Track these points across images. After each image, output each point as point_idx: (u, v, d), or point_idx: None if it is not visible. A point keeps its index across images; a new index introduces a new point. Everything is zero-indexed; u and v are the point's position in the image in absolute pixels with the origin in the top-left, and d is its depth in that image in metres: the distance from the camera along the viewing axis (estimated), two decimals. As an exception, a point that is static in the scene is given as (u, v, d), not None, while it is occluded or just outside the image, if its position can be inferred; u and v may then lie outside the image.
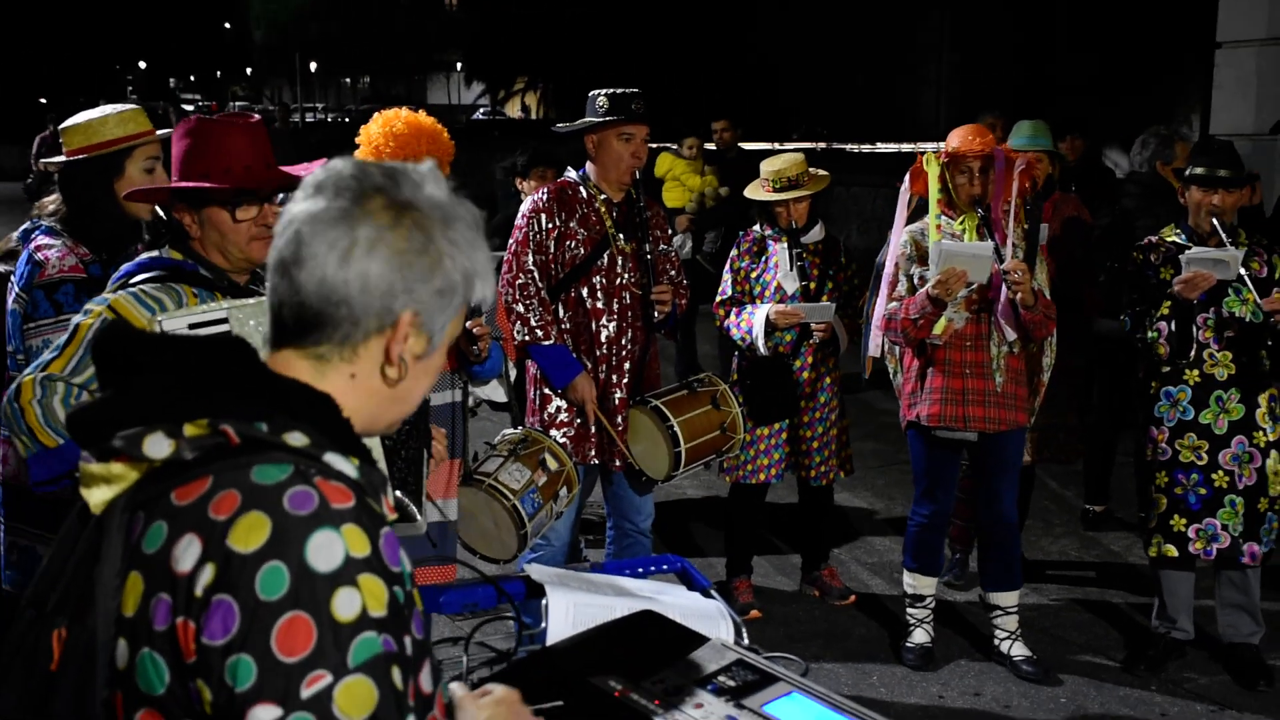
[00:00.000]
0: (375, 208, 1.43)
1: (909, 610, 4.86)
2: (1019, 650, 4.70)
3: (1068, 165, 6.58)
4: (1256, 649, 4.64)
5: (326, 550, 1.32)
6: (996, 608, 4.76)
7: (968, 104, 15.99)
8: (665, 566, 2.57)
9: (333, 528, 1.33)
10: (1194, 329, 4.43)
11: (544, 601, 2.14)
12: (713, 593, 2.40)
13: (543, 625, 2.12)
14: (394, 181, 1.45)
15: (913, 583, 4.83)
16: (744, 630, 2.30)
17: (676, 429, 4.46)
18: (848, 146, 26.84)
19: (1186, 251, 4.38)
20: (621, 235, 4.49)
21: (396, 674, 1.33)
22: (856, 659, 4.84)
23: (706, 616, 2.27)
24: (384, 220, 1.42)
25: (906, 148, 23.81)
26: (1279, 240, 4.76)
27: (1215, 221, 4.43)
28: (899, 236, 4.68)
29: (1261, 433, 4.44)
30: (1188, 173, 4.58)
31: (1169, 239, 4.59)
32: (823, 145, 26.89)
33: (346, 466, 1.41)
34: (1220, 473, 4.45)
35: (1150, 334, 4.49)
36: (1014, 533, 4.77)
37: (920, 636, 4.81)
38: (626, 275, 4.49)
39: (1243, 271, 4.34)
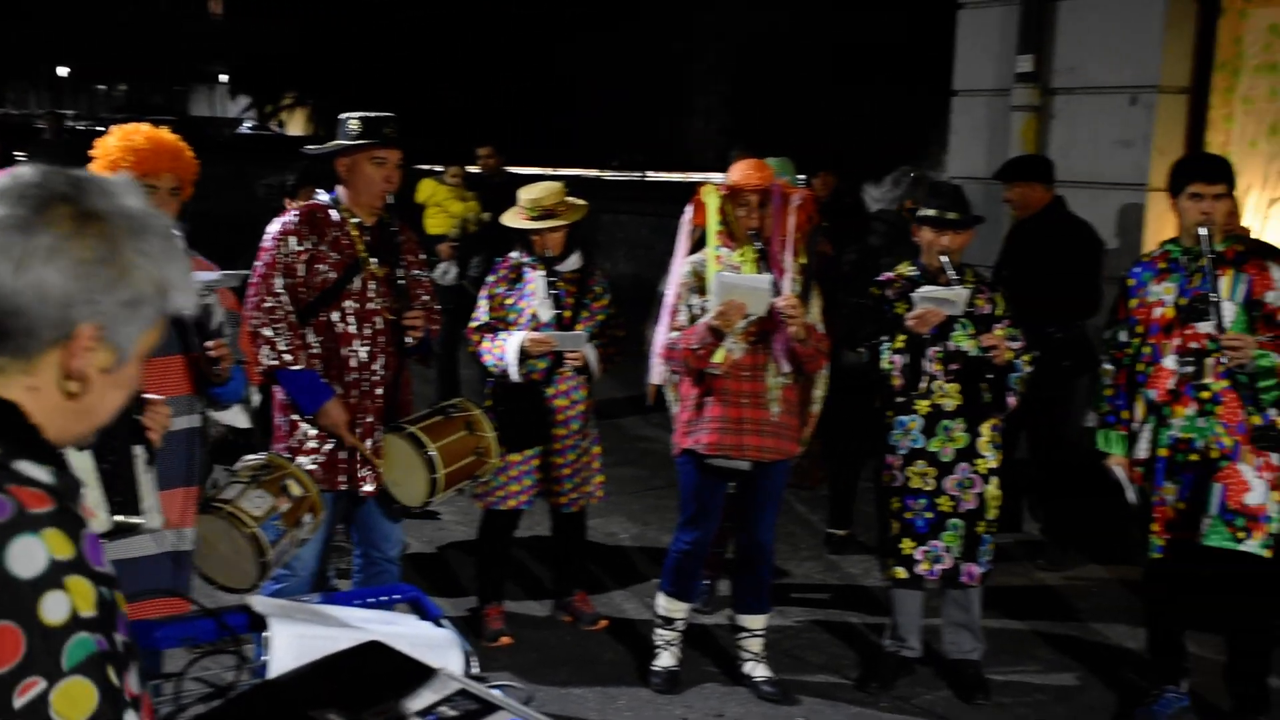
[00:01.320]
0: (57, 216, 1.39)
1: (658, 633, 4.94)
2: (761, 671, 4.85)
3: (819, 200, 6.85)
4: (977, 665, 4.92)
5: (27, 556, 1.29)
6: (743, 630, 4.90)
7: (737, 136, 16.45)
8: (398, 596, 2.55)
9: (32, 533, 1.30)
10: (924, 361, 4.68)
11: (265, 634, 2.10)
12: (444, 622, 2.40)
13: (263, 658, 2.08)
14: (80, 190, 1.41)
15: (667, 606, 4.92)
16: (474, 660, 2.31)
17: (434, 455, 4.44)
18: (621, 176, 27.18)
19: (918, 289, 4.63)
20: (374, 259, 4.44)
21: (112, 672, 1.31)
22: (605, 683, 4.90)
23: (436, 647, 2.27)
24: (65, 229, 1.39)
25: (675, 177, 24.33)
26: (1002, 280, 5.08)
27: (944, 260, 4.68)
28: (680, 266, 4.78)
29: (983, 460, 4.71)
30: (919, 214, 4.84)
31: (905, 274, 4.83)
32: (613, 174, 27.14)
33: (40, 473, 1.37)
34: (945, 497, 4.70)
35: (886, 365, 4.72)
36: (769, 557, 4.92)
37: (667, 660, 4.91)
38: (378, 300, 4.44)
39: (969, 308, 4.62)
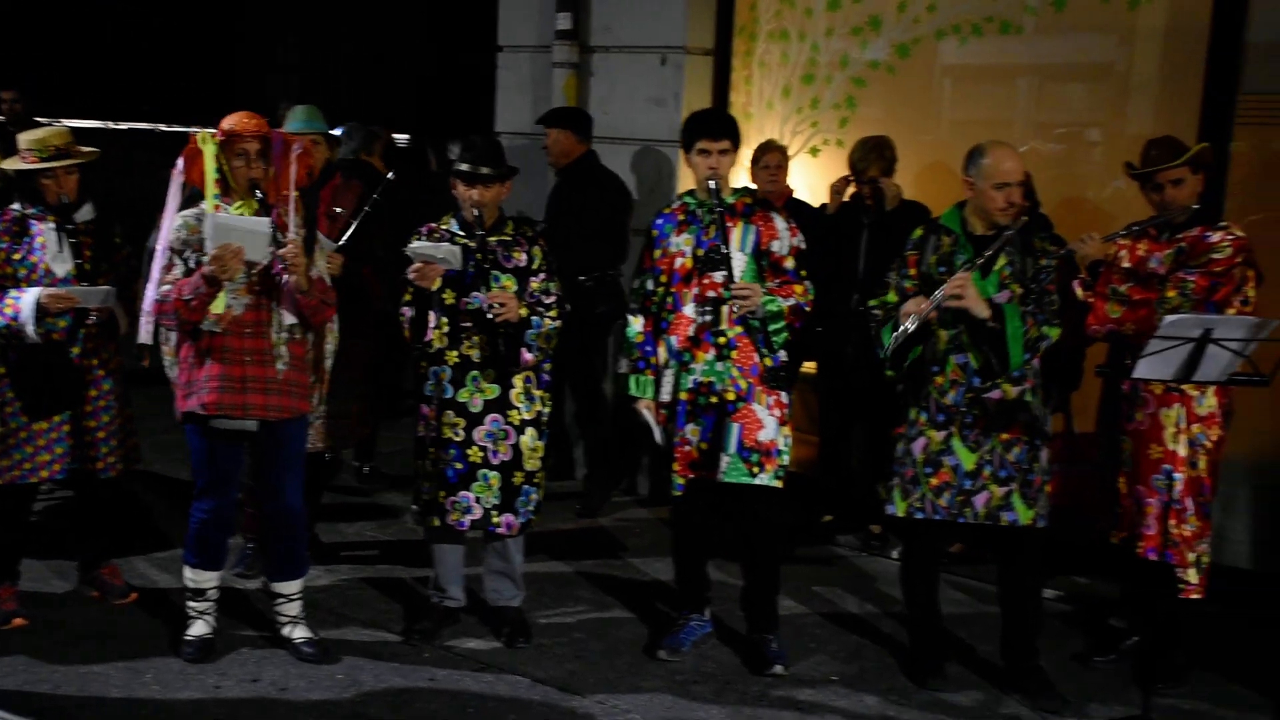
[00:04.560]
0: None
1: (189, 604, 4.72)
2: (300, 633, 4.74)
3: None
4: (519, 610, 5.03)
5: None
6: (280, 595, 4.77)
7: (308, 93, 15.88)
8: None
9: None
10: (430, 314, 4.67)
11: None
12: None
13: None
14: None
15: (194, 578, 4.69)
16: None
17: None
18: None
19: (409, 245, 4.61)
20: None
21: None
22: (131, 658, 4.63)
23: None
24: None
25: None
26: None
27: (477, 214, 4.70)
28: (171, 220, 4.53)
29: (516, 411, 4.77)
30: (455, 168, 4.84)
31: (443, 227, 4.81)
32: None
33: None
34: (475, 448, 4.73)
35: (400, 318, 4.71)
36: (299, 521, 4.77)
37: (200, 629, 4.70)
38: None
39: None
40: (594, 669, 4.75)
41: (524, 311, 4.64)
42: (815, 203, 6.29)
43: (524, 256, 4.77)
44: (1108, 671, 4.84)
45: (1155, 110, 5.79)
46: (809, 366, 6.33)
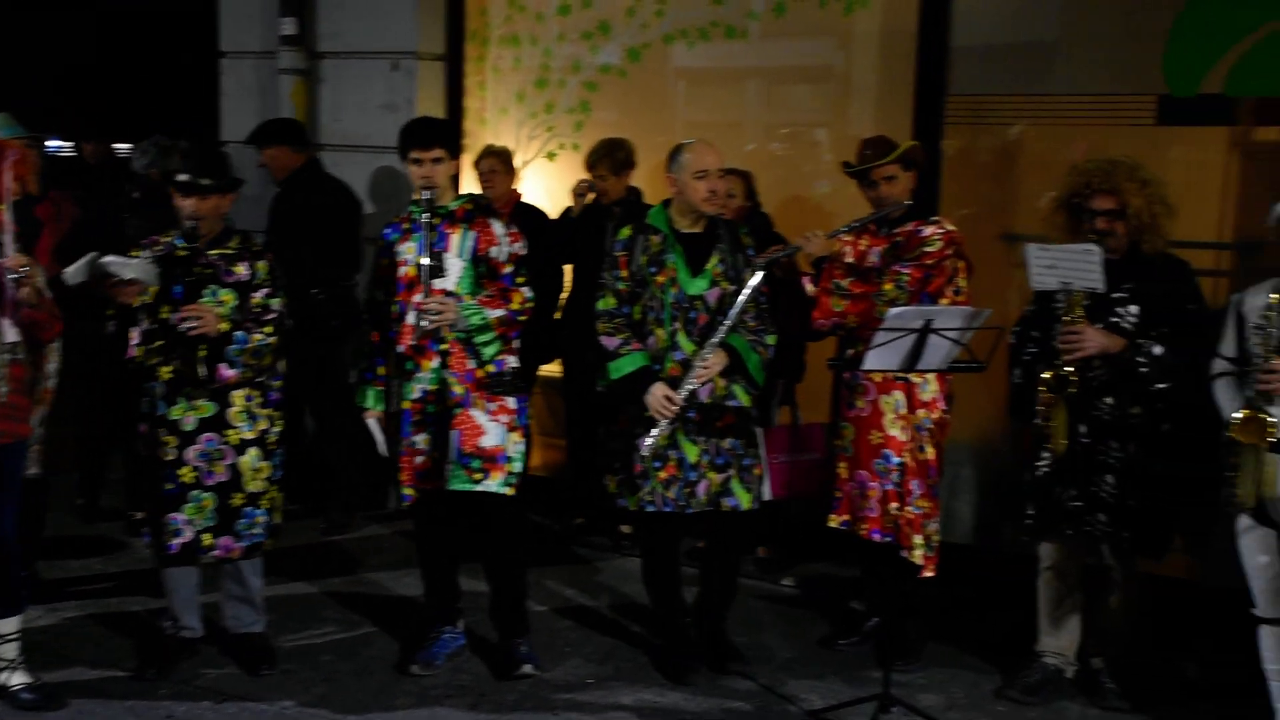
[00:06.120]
0: None
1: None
2: (18, 679, 4.41)
3: (77, 163, 6.52)
4: (262, 636, 4.84)
5: None
6: (-5, 636, 4.44)
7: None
8: None
9: None
10: (135, 331, 4.48)
11: None
12: None
13: None
14: None
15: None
16: None
17: None
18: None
19: (104, 258, 4.38)
20: None
21: None
22: None
23: None
24: None
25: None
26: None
27: (192, 226, 4.49)
28: None
29: (235, 430, 4.58)
30: (174, 178, 4.62)
31: (165, 240, 4.58)
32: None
33: None
34: (188, 468, 4.53)
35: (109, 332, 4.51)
36: (14, 553, 4.45)
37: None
38: None
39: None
40: (344, 691, 4.62)
41: (224, 326, 4.46)
42: (557, 207, 6.30)
43: (246, 271, 4.59)
44: (851, 654, 5.00)
45: (874, 111, 6.04)
46: (554, 369, 6.33)
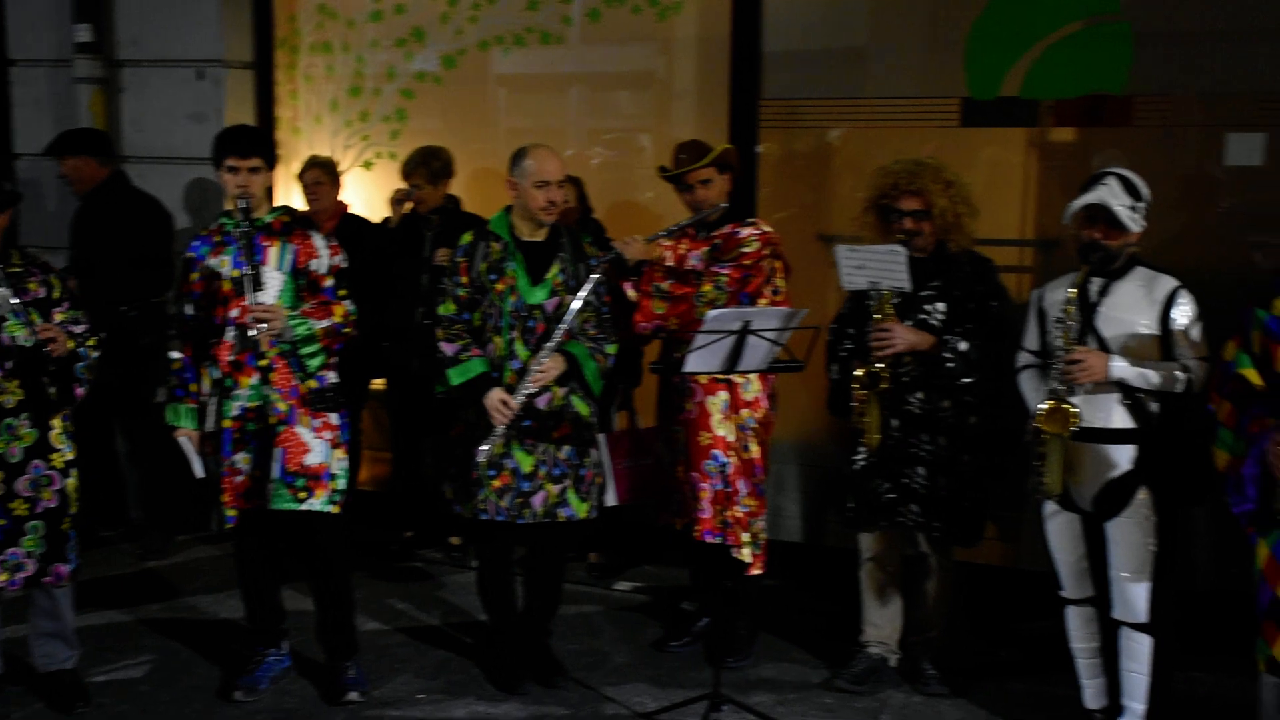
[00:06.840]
0: None
1: None
2: None
3: None
4: (74, 672, 4.61)
5: None
6: None
7: None
8: None
9: None
10: None
11: None
12: None
13: None
14: None
15: None
16: None
17: None
18: None
19: None
20: None
21: None
22: None
23: None
24: None
25: None
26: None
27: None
28: None
29: (59, 454, 4.39)
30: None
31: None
32: None
33: None
34: (20, 500, 4.32)
35: None
36: None
37: None
38: None
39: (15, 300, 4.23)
40: (162, 723, 4.46)
41: (72, 344, 4.29)
42: (376, 217, 6.19)
43: (41, 288, 4.38)
44: (683, 655, 5.04)
45: (693, 115, 6.10)
46: (378, 383, 6.23)
